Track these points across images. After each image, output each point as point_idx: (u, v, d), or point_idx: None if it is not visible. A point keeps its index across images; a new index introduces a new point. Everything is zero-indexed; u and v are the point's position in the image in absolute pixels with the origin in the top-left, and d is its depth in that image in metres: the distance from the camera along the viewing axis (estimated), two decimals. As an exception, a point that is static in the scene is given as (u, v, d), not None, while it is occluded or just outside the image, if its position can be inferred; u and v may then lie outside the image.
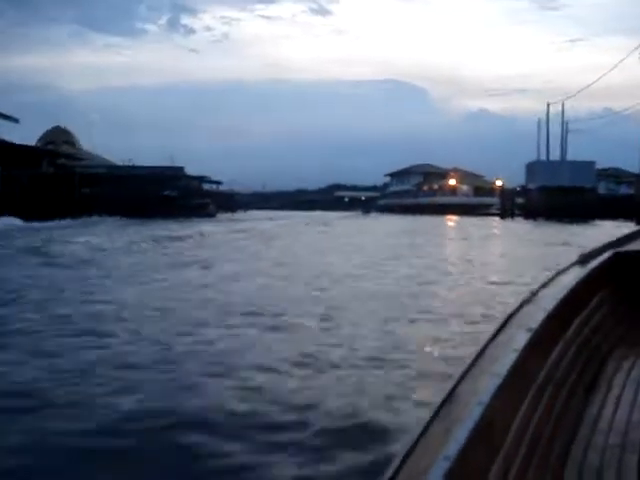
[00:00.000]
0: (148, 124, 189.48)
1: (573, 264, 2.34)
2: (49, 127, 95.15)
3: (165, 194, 59.87)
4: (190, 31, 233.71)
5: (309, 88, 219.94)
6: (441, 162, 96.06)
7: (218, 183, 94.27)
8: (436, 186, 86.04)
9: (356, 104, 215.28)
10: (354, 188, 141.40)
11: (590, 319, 2.07)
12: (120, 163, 79.58)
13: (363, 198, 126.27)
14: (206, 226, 35.03)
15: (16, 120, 60.54)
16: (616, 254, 2.52)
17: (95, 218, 41.98)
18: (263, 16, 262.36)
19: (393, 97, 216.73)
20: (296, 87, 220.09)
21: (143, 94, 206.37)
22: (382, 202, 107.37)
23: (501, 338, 1.55)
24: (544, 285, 2.01)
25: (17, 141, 56.76)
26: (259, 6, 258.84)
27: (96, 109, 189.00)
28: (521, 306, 1.78)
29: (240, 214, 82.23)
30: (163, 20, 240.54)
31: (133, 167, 75.23)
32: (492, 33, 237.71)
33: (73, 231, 27.88)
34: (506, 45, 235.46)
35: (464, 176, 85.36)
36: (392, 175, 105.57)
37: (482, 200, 76.28)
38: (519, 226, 44.89)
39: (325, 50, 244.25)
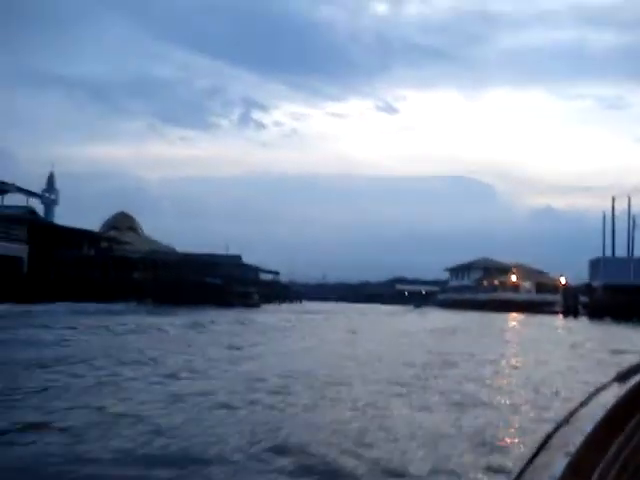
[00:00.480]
0: (219, 214, 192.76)
1: (612, 381, 2.22)
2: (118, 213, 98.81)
3: (206, 281, 59.16)
4: (261, 126, 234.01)
5: (375, 183, 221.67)
6: (503, 257, 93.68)
7: (275, 273, 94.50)
8: (497, 282, 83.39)
9: (421, 199, 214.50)
10: (415, 282, 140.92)
11: (630, 441, 1.91)
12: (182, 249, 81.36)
13: (423, 292, 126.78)
14: (223, 316, 34.30)
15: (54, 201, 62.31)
16: None
17: (120, 305, 40.30)
18: (331, 113, 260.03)
19: (458, 193, 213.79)
20: (362, 181, 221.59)
21: (215, 185, 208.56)
22: (441, 297, 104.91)
23: (538, 462, 1.47)
24: (582, 404, 1.95)
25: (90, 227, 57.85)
26: (327, 103, 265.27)
27: (170, 198, 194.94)
28: (559, 427, 1.72)
29: (293, 305, 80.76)
30: (235, 115, 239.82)
31: (186, 254, 76.39)
32: (557, 131, 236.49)
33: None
34: (571, 143, 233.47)
35: (526, 272, 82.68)
36: (452, 270, 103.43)
37: (544, 297, 73.31)
38: (581, 326, 42.25)
39: (391, 146, 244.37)
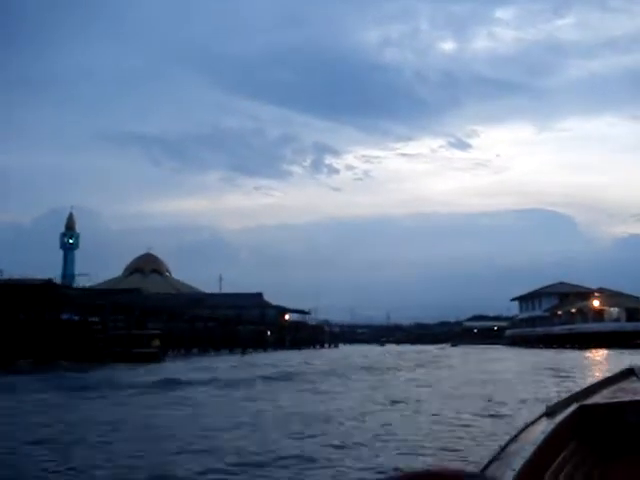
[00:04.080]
0: (295, 260, 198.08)
1: (540, 417, 2.33)
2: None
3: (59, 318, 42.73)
4: (333, 170, 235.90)
5: (451, 221, 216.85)
6: (583, 282, 76.45)
7: (304, 312, 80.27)
8: (574, 310, 65.99)
9: (498, 234, 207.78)
10: (485, 318, 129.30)
11: (557, 476, 2.07)
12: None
13: (495, 328, 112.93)
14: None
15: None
16: (581, 407, 2.54)
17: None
18: (402, 154, 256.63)
19: (536, 226, 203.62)
20: (437, 220, 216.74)
21: (290, 231, 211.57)
22: (509, 332, 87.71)
23: None
24: (512, 440, 2.02)
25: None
26: (398, 144, 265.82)
27: (247, 247, 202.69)
28: (489, 464, 1.79)
29: (318, 350, 65.33)
30: (308, 161, 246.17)
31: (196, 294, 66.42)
32: (635, 156, 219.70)
33: None
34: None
35: (612, 297, 64.95)
36: (521, 299, 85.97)
37: (639, 326, 55.90)
38: None
39: (466, 182, 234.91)
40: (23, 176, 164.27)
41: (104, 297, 41.16)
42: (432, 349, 62.56)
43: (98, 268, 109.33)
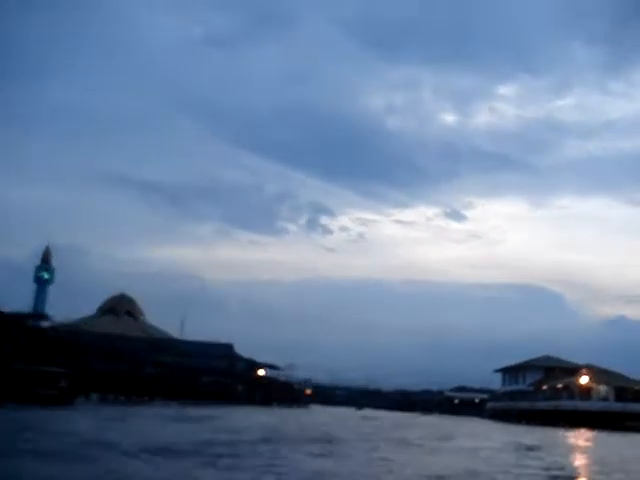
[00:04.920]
0: (282, 317, 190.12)
1: None
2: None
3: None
4: (327, 231, 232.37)
5: (441, 289, 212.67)
6: (571, 358, 72.76)
7: (274, 368, 75.60)
8: (561, 385, 62.12)
9: (487, 307, 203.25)
10: (469, 390, 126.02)
11: None
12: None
13: (477, 400, 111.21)
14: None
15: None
16: None
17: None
18: (397, 220, 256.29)
19: (526, 301, 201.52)
20: (428, 288, 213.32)
21: (281, 288, 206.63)
22: (490, 405, 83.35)
23: None
24: None
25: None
26: (394, 211, 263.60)
27: (236, 300, 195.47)
28: None
29: (278, 410, 60.52)
30: (303, 220, 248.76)
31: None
32: (628, 239, 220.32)
33: None
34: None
35: (601, 374, 61.21)
36: (504, 371, 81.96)
37: (628, 407, 52.16)
38: None
39: (459, 253, 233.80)
40: (17, 210, 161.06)
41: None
42: (399, 417, 58.53)
43: (77, 307, 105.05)
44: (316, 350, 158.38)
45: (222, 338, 78.91)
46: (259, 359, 77.64)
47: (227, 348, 71.05)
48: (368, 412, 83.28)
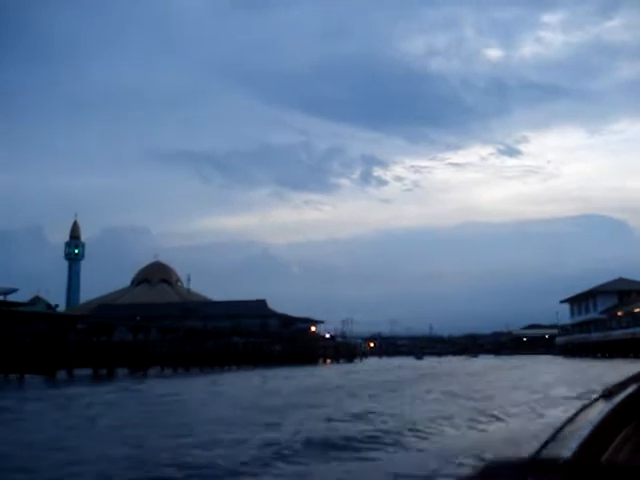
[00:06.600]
0: (344, 274, 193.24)
1: (597, 399, 2.24)
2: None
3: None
4: (382, 182, 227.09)
5: (502, 229, 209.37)
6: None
7: (313, 322, 69.13)
8: (639, 309, 53.66)
9: (551, 242, 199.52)
10: (537, 327, 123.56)
11: (617, 455, 1.95)
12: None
13: (547, 336, 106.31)
14: None
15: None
16: None
17: None
18: (451, 163, 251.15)
19: (589, 232, 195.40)
20: (486, 229, 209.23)
21: (340, 246, 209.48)
22: (560, 340, 75.37)
23: None
24: (569, 421, 1.97)
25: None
26: (447, 154, 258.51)
27: (297, 262, 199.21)
28: (545, 445, 1.72)
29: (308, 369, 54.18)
30: (356, 174, 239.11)
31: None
32: None
33: None
34: None
35: (686, 292, 52.40)
36: (572, 300, 73.43)
37: None
38: None
39: (516, 190, 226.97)
40: (76, 195, 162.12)
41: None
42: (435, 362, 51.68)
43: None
44: (378, 303, 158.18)
45: (283, 302, 74.60)
46: (319, 317, 73.23)
47: (260, 304, 65.04)
48: (430, 361, 77.71)
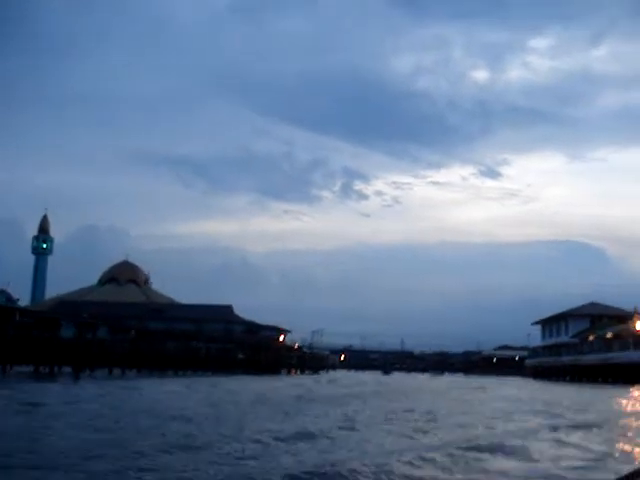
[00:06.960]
0: (321, 285, 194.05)
1: None
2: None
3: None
4: (362, 196, 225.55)
5: (477, 250, 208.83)
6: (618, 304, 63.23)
7: (277, 330, 66.95)
8: (611, 334, 52.65)
9: (527, 265, 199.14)
10: (508, 348, 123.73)
11: None
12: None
13: (516, 358, 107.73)
14: None
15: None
16: None
17: None
18: (432, 182, 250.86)
19: (566, 258, 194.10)
20: (464, 249, 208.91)
21: (318, 257, 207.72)
22: (530, 362, 74.35)
23: None
24: None
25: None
26: (428, 172, 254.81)
27: (274, 271, 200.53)
28: None
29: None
30: (337, 187, 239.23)
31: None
32: None
33: None
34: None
35: (659, 319, 51.42)
36: (544, 323, 72.57)
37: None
38: None
39: (495, 212, 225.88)
40: (56, 192, 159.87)
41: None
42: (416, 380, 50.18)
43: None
44: (352, 316, 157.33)
45: (257, 310, 72.63)
46: (291, 327, 71.75)
47: (226, 309, 63.16)
48: (394, 376, 76.67)
